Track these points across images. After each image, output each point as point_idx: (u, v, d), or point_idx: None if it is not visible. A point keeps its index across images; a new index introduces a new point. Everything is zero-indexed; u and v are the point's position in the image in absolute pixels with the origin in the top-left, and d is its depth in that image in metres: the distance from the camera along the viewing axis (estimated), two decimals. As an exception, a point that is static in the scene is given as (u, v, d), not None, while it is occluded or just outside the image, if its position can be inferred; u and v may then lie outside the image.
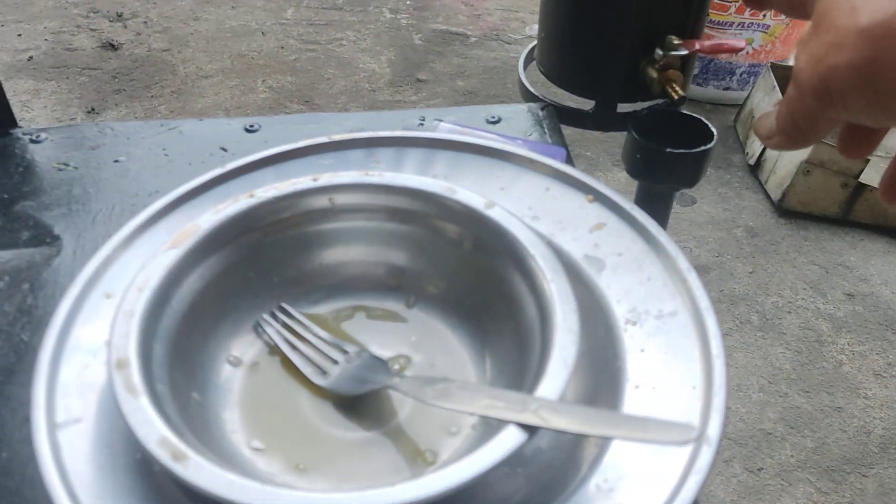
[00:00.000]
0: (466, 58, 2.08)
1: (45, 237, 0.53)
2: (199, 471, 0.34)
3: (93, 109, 1.82)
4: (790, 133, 0.34)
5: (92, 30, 2.13)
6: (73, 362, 0.41)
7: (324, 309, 0.49)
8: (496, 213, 0.45)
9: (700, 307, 0.42)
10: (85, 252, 0.52)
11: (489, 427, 0.42)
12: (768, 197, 1.76)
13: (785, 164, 1.73)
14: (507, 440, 0.35)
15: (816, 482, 1.22)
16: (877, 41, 0.26)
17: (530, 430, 0.35)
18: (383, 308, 0.50)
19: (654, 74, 0.60)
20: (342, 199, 0.48)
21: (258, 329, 0.48)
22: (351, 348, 0.46)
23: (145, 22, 2.17)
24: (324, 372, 0.45)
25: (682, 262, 0.44)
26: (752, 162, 1.84)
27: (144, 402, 0.37)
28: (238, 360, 0.46)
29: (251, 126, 0.63)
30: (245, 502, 0.33)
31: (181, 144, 0.61)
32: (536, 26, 1.99)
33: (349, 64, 2.03)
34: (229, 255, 0.46)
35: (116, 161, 0.59)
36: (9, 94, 0.63)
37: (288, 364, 0.46)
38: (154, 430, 0.35)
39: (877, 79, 0.27)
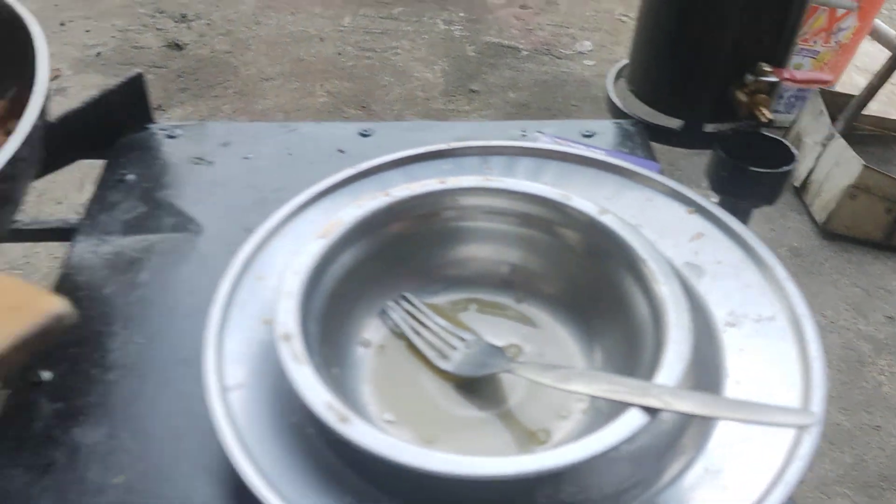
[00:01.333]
0: (518, 70, 2.13)
1: (187, 223, 0.59)
2: (362, 432, 0.39)
3: (159, 106, 1.89)
4: None
5: (158, 29, 2.21)
6: (234, 336, 0.46)
7: (441, 299, 0.54)
8: (609, 220, 0.50)
9: (798, 313, 0.47)
10: (224, 237, 0.58)
11: (599, 413, 0.47)
12: (813, 219, 1.79)
13: (831, 187, 1.75)
14: (632, 421, 0.39)
15: (854, 496, 1.25)
16: None
17: (652, 412, 0.39)
18: (495, 301, 0.54)
19: (744, 98, 0.64)
20: (466, 201, 0.53)
21: (383, 315, 0.53)
22: (467, 336, 0.51)
23: (208, 24, 2.25)
24: (444, 356, 0.50)
25: (781, 272, 0.49)
26: (797, 184, 1.87)
27: (308, 370, 0.42)
28: (368, 342, 0.51)
29: (365, 131, 0.68)
30: (404, 461, 0.38)
31: (302, 145, 0.66)
32: (586, 42, 2.02)
33: (404, 72, 2.09)
34: (365, 247, 0.51)
35: (246, 158, 0.65)
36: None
37: (412, 347, 0.51)
38: (320, 395, 0.40)
39: None
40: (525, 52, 2.22)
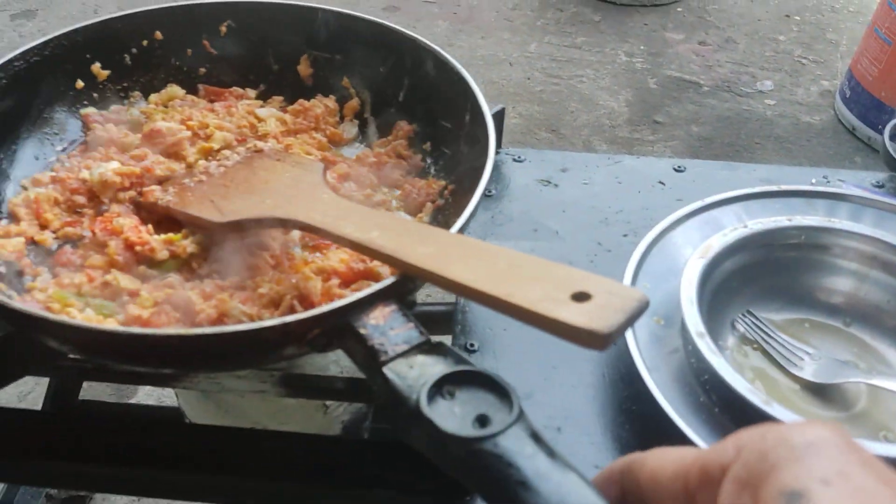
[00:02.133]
0: (700, 105, 2.20)
1: (549, 234, 0.71)
2: (784, 414, 0.50)
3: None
4: None
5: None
6: (641, 331, 0.58)
7: (778, 317, 0.65)
8: (946, 264, 0.59)
9: None
10: (581, 248, 0.70)
11: (939, 423, 0.56)
12: None
13: None
14: None
15: None
16: None
17: None
18: (825, 323, 0.64)
19: None
20: (809, 237, 0.64)
21: (732, 325, 0.63)
22: (810, 349, 0.61)
23: (406, 43, 2.44)
24: (794, 364, 0.60)
25: None
26: None
27: (724, 361, 0.53)
28: (726, 346, 0.62)
29: (678, 167, 0.79)
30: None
31: (627, 175, 0.78)
32: (767, 82, 2.07)
33: (590, 100, 2.21)
34: (728, 268, 0.62)
35: (584, 183, 0.77)
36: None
37: (764, 354, 0.61)
38: (741, 382, 0.52)
39: None
40: (706, 88, 2.29)
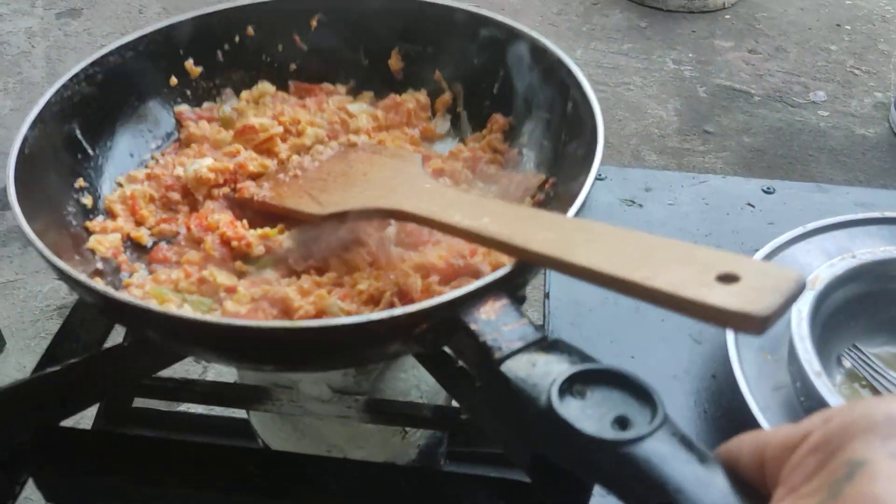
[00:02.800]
0: (751, 115, 2.16)
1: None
2: None
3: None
4: None
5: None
6: (749, 367, 0.56)
7: (883, 350, 0.61)
8: None
9: None
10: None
11: None
12: None
13: None
14: None
15: None
16: None
17: None
18: (935, 359, 0.61)
19: None
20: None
21: (839, 360, 0.60)
22: (921, 388, 0.58)
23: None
24: (906, 403, 0.57)
25: None
26: None
27: (840, 400, 0.50)
28: (834, 383, 0.59)
29: (768, 188, 0.76)
30: None
31: (714, 196, 0.75)
32: (820, 92, 2.02)
33: (638, 108, 2.17)
34: (836, 300, 0.59)
35: (670, 204, 0.74)
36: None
37: (872, 390, 0.58)
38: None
39: None
40: (757, 98, 2.24)
